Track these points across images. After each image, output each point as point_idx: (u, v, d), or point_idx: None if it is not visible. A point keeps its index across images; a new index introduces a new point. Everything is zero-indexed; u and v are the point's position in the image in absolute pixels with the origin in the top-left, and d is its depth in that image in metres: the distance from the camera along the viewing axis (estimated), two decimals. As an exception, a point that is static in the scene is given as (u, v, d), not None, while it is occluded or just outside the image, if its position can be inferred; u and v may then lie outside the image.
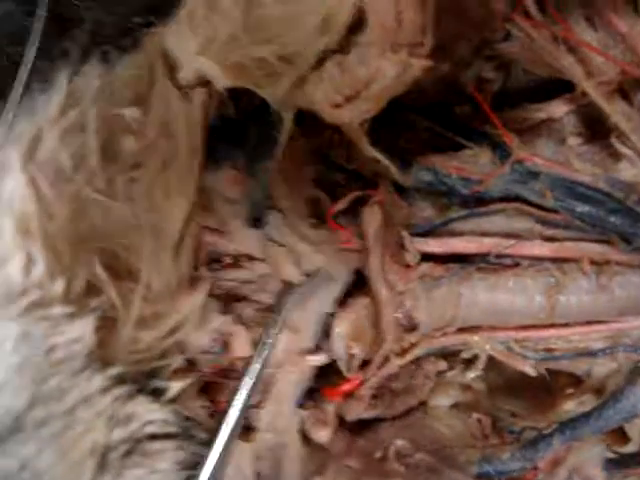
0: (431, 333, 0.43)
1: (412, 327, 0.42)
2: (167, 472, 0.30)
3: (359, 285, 0.43)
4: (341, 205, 0.41)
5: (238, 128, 0.41)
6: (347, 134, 0.40)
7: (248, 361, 0.39)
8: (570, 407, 0.47)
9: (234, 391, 0.39)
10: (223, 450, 0.37)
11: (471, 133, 0.45)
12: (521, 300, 0.42)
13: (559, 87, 0.46)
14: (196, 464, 0.34)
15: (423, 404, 0.49)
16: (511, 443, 0.47)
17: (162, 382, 0.32)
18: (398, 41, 0.34)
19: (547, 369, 0.46)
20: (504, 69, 0.46)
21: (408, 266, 0.41)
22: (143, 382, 0.30)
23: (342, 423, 0.46)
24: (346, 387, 0.43)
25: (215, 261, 0.40)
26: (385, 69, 0.35)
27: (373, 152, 0.39)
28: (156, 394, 0.31)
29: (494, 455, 0.46)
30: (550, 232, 0.42)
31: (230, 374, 0.40)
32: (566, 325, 0.44)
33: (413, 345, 0.43)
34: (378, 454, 0.45)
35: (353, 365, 0.43)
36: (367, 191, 0.41)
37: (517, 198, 0.42)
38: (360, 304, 0.42)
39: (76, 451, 0.26)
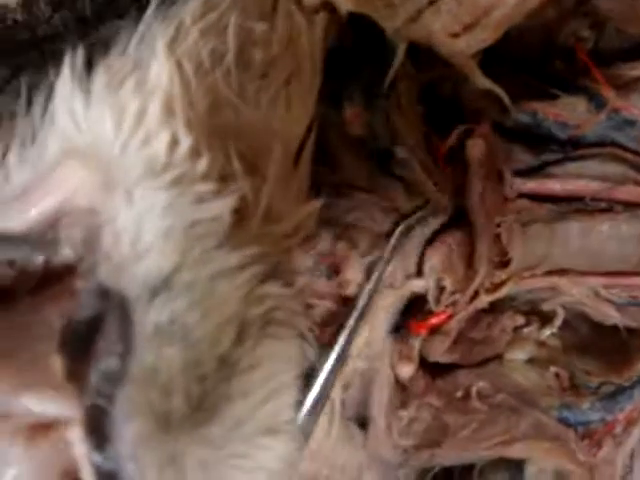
0: (521, 272, 0.44)
1: (504, 263, 0.43)
2: (294, 356, 0.30)
3: (454, 222, 0.44)
4: (451, 141, 0.42)
5: (353, 60, 0.42)
6: (458, 67, 0.42)
7: (360, 286, 0.39)
8: (647, 368, 0.47)
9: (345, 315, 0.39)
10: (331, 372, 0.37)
11: (567, 86, 0.46)
12: (613, 245, 0.43)
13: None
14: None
15: (499, 357, 0.49)
16: (590, 396, 0.47)
17: (287, 277, 0.32)
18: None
19: (625, 328, 0.47)
20: (598, 28, 0.48)
21: (506, 200, 0.42)
22: (275, 274, 0.31)
23: (420, 365, 0.46)
24: (434, 320, 0.44)
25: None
26: (506, -4, 0.36)
27: (486, 82, 0.40)
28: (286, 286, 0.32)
29: (574, 404, 0.46)
30: (644, 178, 0.43)
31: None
32: (654, 274, 0.44)
33: (503, 282, 0.44)
34: (459, 394, 0.45)
35: (442, 298, 0.43)
36: (471, 125, 0.42)
37: (612, 144, 0.43)
38: (454, 237, 0.43)
39: (219, 315, 0.27)
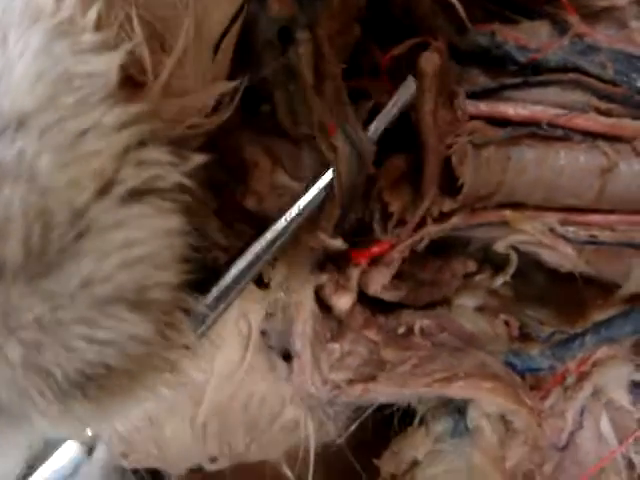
0: (472, 202, 0.41)
1: (454, 189, 0.40)
2: (173, 230, 0.27)
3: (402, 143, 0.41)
4: (398, 50, 0.39)
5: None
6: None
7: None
8: (600, 317, 0.44)
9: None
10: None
11: (529, 12, 0.44)
12: (570, 176, 0.40)
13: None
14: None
15: (447, 302, 0.46)
16: (540, 344, 0.44)
17: (185, 151, 0.29)
18: None
19: (581, 276, 0.44)
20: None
21: (458, 120, 0.39)
22: (164, 143, 0.28)
23: (361, 301, 0.43)
24: (376, 249, 0.40)
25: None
26: None
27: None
28: (179, 159, 0.29)
29: (522, 350, 0.43)
30: (606, 106, 0.40)
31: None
32: (612, 211, 0.42)
33: (452, 212, 0.41)
34: (401, 330, 0.42)
35: (389, 225, 0.40)
36: (426, 37, 0.39)
37: (574, 70, 0.41)
38: (401, 159, 0.40)
39: (79, 169, 0.24)
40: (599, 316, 0.44)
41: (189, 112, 0.31)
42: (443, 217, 0.41)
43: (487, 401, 0.39)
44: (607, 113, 0.40)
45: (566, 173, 0.40)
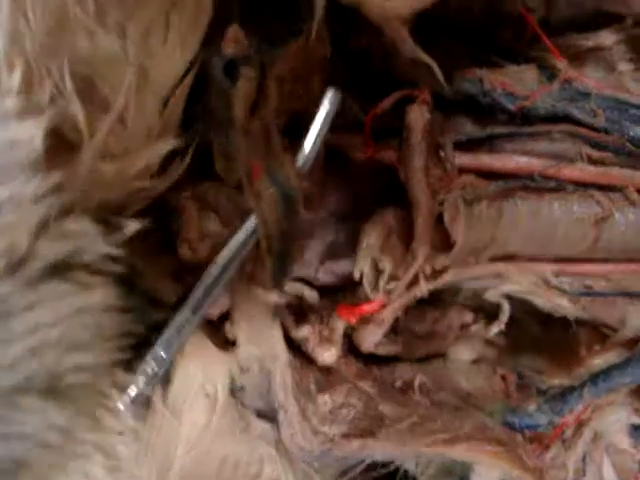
0: (465, 257, 0.39)
1: (447, 246, 0.39)
2: (95, 307, 0.25)
3: (389, 200, 0.40)
4: (384, 106, 0.38)
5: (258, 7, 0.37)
6: (390, 34, 0.38)
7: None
8: (598, 363, 0.43)
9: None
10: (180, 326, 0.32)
11: (514, 57, 0.42)
12: (564, 227, 0.39)
13: (604, 22, 0.44)
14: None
15: (442, 355, 0.45)
16: (537, 397, 0.43)
17: (119, 219, 0.27)
18: None
19: (574, 321, 0.43)
20: (547, -1, 0.44)
21: (449, 175, 0.38)
22: (93, 212, 0.26)
23: (354, 356, 0.42)
24: (366, 308, 0.39)
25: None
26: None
27: (418, 52, 0.36)
28: (108, 228, 0.27)
29: (520, 407, 0.42)
30: (598, 155, 0.39)
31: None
32: (606, 260, 0.41)
33: (445, 268, 0.39)
34: (398, 384, 0.41)
35: (380, 283, 0.39)
36: (413, 90, 0.38)
37: (565, 118, 0.40)
38: (391, 214, 0.39)
39: None
40: (596, 361, 0.43)
41: (130, 174, 0.30)
42: (436, 274, 0.39)
43: (490, 465, 0.38)
44: (599, 162, 0.39)
45: (560, 224, 0.39)
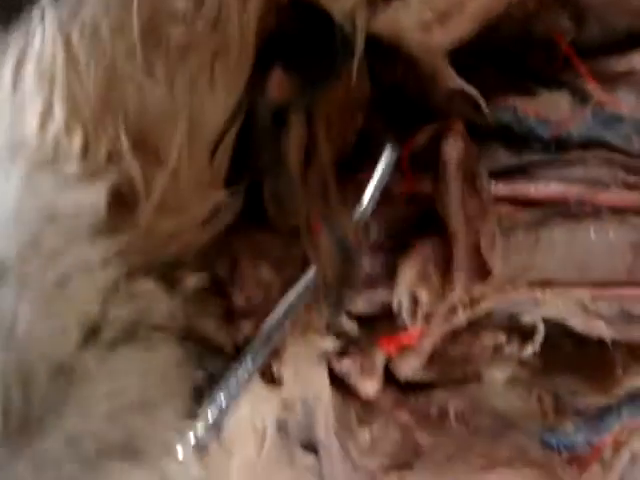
0: (502, 284, 0.40)
1: (484, 274, 0.39)
2: (163, 364, 0.26)
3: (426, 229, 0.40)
4: (420, 139, 0.38)
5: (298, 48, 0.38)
6: (427, 66, 0.38)
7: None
8: (636, 383, 0.44)
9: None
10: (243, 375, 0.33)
11: (547, 81, 0.42)
12: (601, 253, 0.40)
13: (636, 43, 0.44)
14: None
15: (478, 377, 0.45)
16: (574, 416, 0.43)
17: (178, 274, 0.28)
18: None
19: (611, 342, 0.43)
20: (578, 19, 0.44)
21: (485, 205, 0.38)
22: (155, 270, 0.27)
23: (390, 383, 0.42)
24: (405, 338, 0.40)
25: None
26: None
27: (460, 82, 0.37)
28: (169, 285, 0.27)
29: (557, 426, 0.42)
30: (634, 179, 0.40)
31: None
32: (645, 285, 0.41)
33: (483, 297, 0.40)
34: (433, 411, 0.41)
35: (418, 314, 0.39)
36: (446, 122, 0.38)
37: (599, 144, 0.40)
38: (428, 244, 0.39)
39: (62, 317, 0.23)
40: (633, 382, 0.43)
41: (184, 228, 0.30)
42: (474, 302, 0.40)
43: (528, 488, 0.39)
44: (635, 186, 0.39)
45: (597, 249, 0.39)
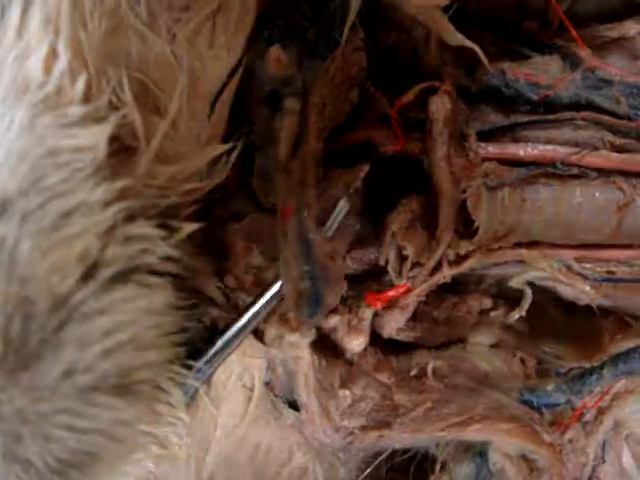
0: (488, 243, 0.40)
1: (470, 232, 0.40)
2: (158, 307, 0.26)
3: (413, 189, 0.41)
4: (408, 97, 0.39)
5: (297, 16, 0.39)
6: (430, 25, 0.38)
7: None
8: (618, 350, 0.44)
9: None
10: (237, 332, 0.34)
11: (539, 47, 0.43)
12: (586, 214, 0.40)
13: (630, 12, 0.44)
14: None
15: (462, 341, 0.46)
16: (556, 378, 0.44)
17: (174, 221, 0.29)
18: None
19: (596, 309, 0.44)
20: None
21: (471, 163, 0.39)
22: (153, 216, 0.28)
23: (373, 342, 0.43)
24: (392, 293, 0.40)
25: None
26: None
27: (459, 38, 0.37)
28: (166, 231, 0.28)
29: (538, 386, 0.43)
30: (620, 141, 0.40)
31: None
32: (629, 246, 0.41)
33: (469, 254, 0.40)
34: (413, 372, 0.42)
35: (404, 269, 0.40)
36: (434, 82, 0.39)
37: (588, 106, 0.40)
38: (415, 203, 0.40)
39: (61, 254, 0.24)
40: (617, 349, 0.44)
41: (183, 177, 0.31)
42: (459, 259, 0.40)
43: (505, 442, 0.39)
44: (622, 148, 0.40)
45: (583, 210, 0.40)
